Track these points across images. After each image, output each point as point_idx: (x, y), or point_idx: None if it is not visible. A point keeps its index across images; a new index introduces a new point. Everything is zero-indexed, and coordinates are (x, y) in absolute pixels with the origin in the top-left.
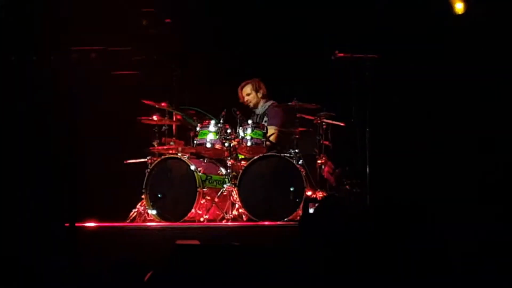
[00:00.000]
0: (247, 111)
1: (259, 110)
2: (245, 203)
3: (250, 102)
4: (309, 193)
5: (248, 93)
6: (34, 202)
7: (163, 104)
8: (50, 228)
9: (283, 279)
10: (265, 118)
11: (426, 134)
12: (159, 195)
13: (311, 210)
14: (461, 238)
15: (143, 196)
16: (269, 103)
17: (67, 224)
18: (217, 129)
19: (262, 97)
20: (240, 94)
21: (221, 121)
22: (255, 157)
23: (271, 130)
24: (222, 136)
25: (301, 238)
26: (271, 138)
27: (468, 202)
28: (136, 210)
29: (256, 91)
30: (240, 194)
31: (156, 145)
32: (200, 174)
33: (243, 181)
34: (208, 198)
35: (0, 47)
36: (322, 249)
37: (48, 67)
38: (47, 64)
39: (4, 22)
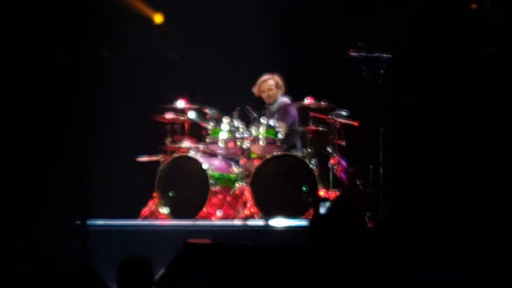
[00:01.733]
0: (258, 107)
1: (274, 107)
2: (257, 202)
3: (270, 97)
4: (321, 192)
5: (271, 88)
6: (46, 199)
7: (180, 102)
8: (61, 225)
9: (294, 279)
10: (276, 116)
11: (440, 134)
12: (171, 193)
13: (322, 210)
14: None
15: (155, 194)
16: (282, 99)
17: (78, 222)
18: (230, 128)
19: (281, 94)
20: (259, 87)
21: (234, 119)
22: (268, 156)
23: (283, 125)
24: (235, 135)
25: (312, 238)
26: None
27: (484, 204)
28: (148, 208)
29: (278, 87)
30: (252, 193)
31: (168, 143)
32: (212, 172)
33: (256, 180)
34: (220, 196)
35: (35, 45)
36: (332, 249)
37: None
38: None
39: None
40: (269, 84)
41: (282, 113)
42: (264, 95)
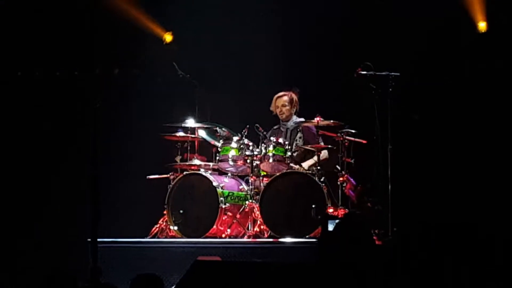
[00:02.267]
0: (268, 125)
1: (290, 124)
2: (266, 220)
3: (284, 114)
4: (330, 210)
5: (285, 105)
6: (57, 217)
7: (190, 120)
8: (72, 243)
9: None
10: (299, 134)
11: (448, 151)
12: (181, 211)
13: (330, 227)
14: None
15: (165, 212)
16: (300, 119)
17: (89, 239)
18: (239, 146)
19: (294, 112)
20: (274, 103)
21: (243, 137)
22: (277, 174)
23: (324, 153)
24: (244, 153)
25: (320, 256)
26: (325, 157)
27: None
28: (158, 225)
29: (292, 105)
30: (261, 211)
31: (178, 161)
32: (222, 190)
33: (265, 198)
34: (230, 214)
35: (25, 64)
36: (340, 267)
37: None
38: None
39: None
40: (283, 100)
41: (312, 137)
42: (278, 111)
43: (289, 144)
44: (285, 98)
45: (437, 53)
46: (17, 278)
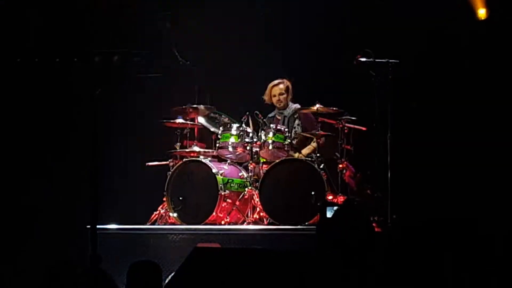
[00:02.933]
0: (267, 112)
1: (287, 111)
2: (266, 207)
3: (281, 102)
4: (330, 197)
5: (282, 93)
6: (56, 204)
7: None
8: (72, 230)
9: (302, 283)
10: (297, 122)
11: (448, 139)
12: (180, 198)
13: (328, 214)
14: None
15: (164, 199)
16: (295, 105)
17: (88, 226)
18: (239, 132)
19: (290, 99)
20: (270, 92)
21: (243, 124)
22: (277, 161)
23: (322, 139)
24: (244, 140)
25: (318, 243)
26: (322, 144)
27: (494, 209)
28: (157, 212)
29: (288, 92)
30: (261, 198)
31: (178, 148)
32: (221, 177)
33: (264, 185)
34: (229, 201)
35: (25, 51)
36: (338, 254)
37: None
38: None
39: (27, 26)
40: (280, 88)
41: (310, 123)
42: (274, 100)
43: (288, 132)
44: (281, 86)
45: (437, 41)
46: (16, 267)
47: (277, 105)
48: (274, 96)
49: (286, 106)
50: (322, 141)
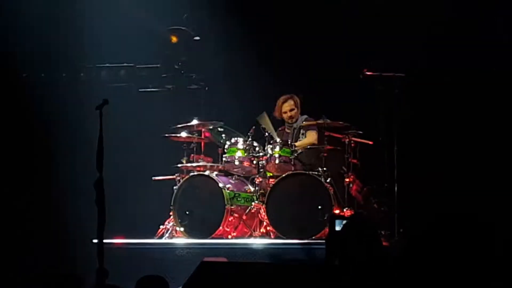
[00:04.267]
0: (276, 124)
1: (296, 124)
2: (273, 221)
3: (293, 117)
4: (337, 211)
5: (293, 109)
6: (63, 219)
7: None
8: (78, 244)
9: None
10: (302, 131)
11: (454, 152)
12: (187, 212)
13: (337, 228)
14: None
15: (171, 213)
16: (304, 117)
17: (95, 240)
18: (246, 147)
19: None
20: (280, 108)
21: (250, 139)
22: (283, 175)
23: (312, 133)
24: (251, 154)
25: (327, 256)
26: (313, 140)
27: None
28: (164, 226)
29: (298, 107)
30: (268, 212)
31: (184, 162)
32: (228, 191)
33: (271, 199)
34: (236, 215)
35: (30, 66)
36: (347, 267)
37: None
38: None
39: (34, 41)
40: (291, 104)
41: (308, 127)
42: (286, 116)
43: (294, 146)
44: (291, 102)
45: (442, 54)
46: (23, 280)
47: (289, 121)
48: (285, 112)
49: (297, 120)
50: (311, 135)
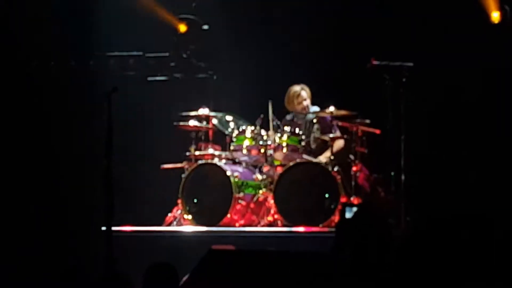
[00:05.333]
0: (282, 114)
1: (309, 116)
2: (280, 209)
3: (305, 108)
4: (343, 200)
5: (305, 98)
6: (72, 206)
7: (202, 111)
8: (87, 231)
9: (318, 284)
10: (316, 126)
11: (461, 141)
12: (195, 200)
13: (348, 215)
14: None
15: (179, 201)
16: (315, 108)
17: (104, 228)
18: (253, 135)
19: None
20: (293, 100)
21: (258, 127)
22: (291, 164)
23: (339, 143)
24: (258, 142)
25: (337, 243)
26: (340, 147)
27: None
28: (172, 214)
29: (309, 97)
30: (275, 200)
31: (192, 151)
32: (236, 179)
33: (279, 187)
34: (244, 203)
35: (39, 54)
36: (357, 255)
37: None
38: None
39: (43, 29)
40: (302, 95)
41: (327, 126)
42: (299, 107)
43: (307, 136)
44: (303, 93)
45: (451, 43)
46: (31, 269)
47: (302, 112)
48: (299, 103)
49: (308, 110)
50: (338, 143)
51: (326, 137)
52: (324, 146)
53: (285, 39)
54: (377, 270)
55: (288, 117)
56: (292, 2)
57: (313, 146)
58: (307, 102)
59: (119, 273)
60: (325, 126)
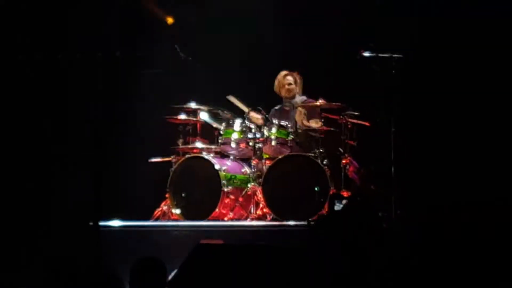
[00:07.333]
0: (271, 107)
1: (295, 101)
2: (269, 203)
3: (290, 92)
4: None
5: (291, 83)
6: (59, 200)
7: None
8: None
9: (306, 278)
10: (304, 112)
11: (452, 134)
12: (183, 194)
13: (337, 208)
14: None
15: (167, 195)
16: (302, 97)
17: (91, 223)
18: (242, 128)
19: (297, 91)
20: (279, 81)
21: (246, 120)
22: (280, 157)
23: (317, 122)
24: (247, 135)
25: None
26: (317, 126)
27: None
28: (160, 209)
29: (297, 85)
30: (264, 194)
31: (180, 144)
32: (224, 173)
33: (268, 181)
34: (232, 197)
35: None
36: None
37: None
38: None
39: (11, 22)
40: (289, 79)
41: (313, 112)
42: (284, 90)
43: (292, 127)
44: (290, 77)
45: (440, 34)
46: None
47: (286, 95)
48: (284, 86)
49: (294, 97)
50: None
51: (313, 129)
52: (309, 137)
53: (274, 30)
54: (365, 262)
55: (277, 107)
56: None
57: (297, 138)
58: (293, 86)
59: (111, 275)
60: (312, 111)
